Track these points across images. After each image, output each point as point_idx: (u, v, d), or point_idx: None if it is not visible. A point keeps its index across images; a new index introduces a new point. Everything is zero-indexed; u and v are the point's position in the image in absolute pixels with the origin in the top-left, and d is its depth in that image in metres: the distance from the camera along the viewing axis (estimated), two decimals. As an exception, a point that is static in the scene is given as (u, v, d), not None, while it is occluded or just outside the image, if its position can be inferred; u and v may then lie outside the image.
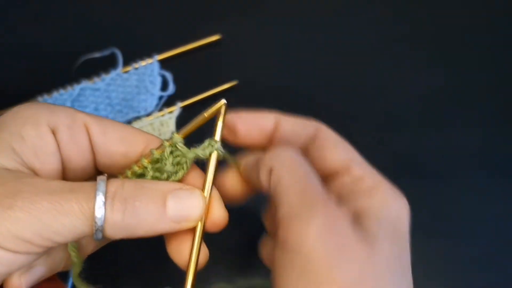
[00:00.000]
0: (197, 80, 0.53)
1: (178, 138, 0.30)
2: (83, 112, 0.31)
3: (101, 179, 0.27)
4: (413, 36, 0.57)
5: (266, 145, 0.32)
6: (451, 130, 0.53)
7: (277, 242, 0.26)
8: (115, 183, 0.27)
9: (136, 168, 0.30)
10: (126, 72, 0.52)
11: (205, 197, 0.29)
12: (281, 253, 0.25)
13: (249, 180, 0.31)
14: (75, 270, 0.30)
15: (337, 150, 0.30)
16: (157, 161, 0.30)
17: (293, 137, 0.31)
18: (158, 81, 0.52)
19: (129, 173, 0.30)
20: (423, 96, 0.54)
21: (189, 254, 0.29)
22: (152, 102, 0.51)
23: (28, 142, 0.28)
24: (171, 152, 0.30)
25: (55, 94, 0.50)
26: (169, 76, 0.52)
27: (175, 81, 0.53)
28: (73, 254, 0.30)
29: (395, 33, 0.57)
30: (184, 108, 0.51)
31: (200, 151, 0.30)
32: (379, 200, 0.28)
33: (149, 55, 0.53)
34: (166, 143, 0.30)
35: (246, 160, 0.31)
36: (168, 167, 0.29)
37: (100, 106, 0.51)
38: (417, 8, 0.59)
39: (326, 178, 0.29)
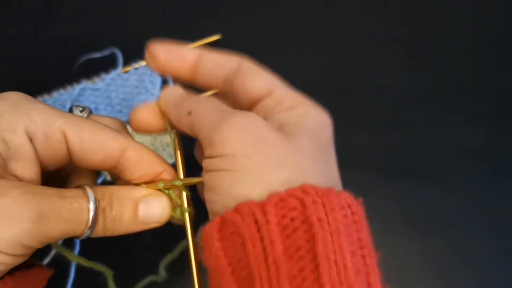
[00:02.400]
0: (197, 80, 0.53)
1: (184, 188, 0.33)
2: (60, 114, 0.30)
3: (89, 189, 0.30)
4: (414, 36, 0.57)
5: (190, 78, 0.34)
6: (451, 130, 0.53)
7: (204, 164, 0.28)
8: (97, 194, 0.30)
9: None
10: (126, 72, 0.52)
11: (169, 201, 0.32)
12: (210, 168, 0.28)
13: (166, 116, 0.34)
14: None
15: (259, 78, 0.32)
16: None
17: (216, 70, 0.33)
18: (158, 81, 0.52)
19: None
20: (423, 96, 0.54)
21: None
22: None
23: (12, 148, 0.28)
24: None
25: (55, 94, 0.50)
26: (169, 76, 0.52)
27: (175, 81, 0.53)
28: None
29: (395, 32, 0.57)
30: (184, 108, 0.51)
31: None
32: (300, 112, 0.30)
33: (149, 55, 0.53)
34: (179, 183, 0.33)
35: (165, 97, 0.34)
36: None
37: (100, 106, 0.51)
38: (417, 8, 0.59)
39: (252, 105, 0.31)
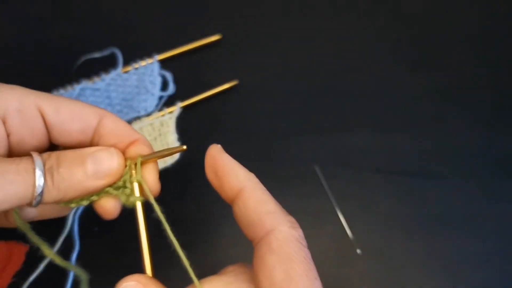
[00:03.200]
0: (197, 80, 0.53)
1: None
2: (34, 92, 0.32)
3: (35, 153, 0.30)
4: (414, 36, 0.57)
5: (229, 202, 0.32)
6: (451, 129, 0.53)
7: None
8: (44, 156, 0.30)
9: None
10: (126, 72, 0.52)
11: (120, 153, 0.32)
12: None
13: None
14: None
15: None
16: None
17: (255, 212, 0.31)
18: (158, 81, 0.52)
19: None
20: (423, 96, 0.54)
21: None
22: (152, 102, 0.51)
23: None
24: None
25: (55, 94, 0.50)
26: (169, 76, 0.52)
27: (175, 81, 0.53)
28: (16, 216, 0.33)
29: (396, 33, 0.57)
30: (184, 108, 0.51)
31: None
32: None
33: (149, 55, 0.53)
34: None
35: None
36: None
37: (100, 106, 0.51)
38: (417, 8, 0.59)
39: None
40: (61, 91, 0.50)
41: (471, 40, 0.57)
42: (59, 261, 0.34)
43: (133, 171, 0.32)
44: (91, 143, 0.33)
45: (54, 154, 0.31)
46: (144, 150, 0.33)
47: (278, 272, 0.26)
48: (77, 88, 0.50)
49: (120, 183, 0.32)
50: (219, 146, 0.32)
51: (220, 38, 0.55)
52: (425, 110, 0.53)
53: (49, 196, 0.30)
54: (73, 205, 0.32)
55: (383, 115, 0.53)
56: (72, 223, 0.46)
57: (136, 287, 0.29)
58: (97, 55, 0.52)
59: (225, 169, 0.30)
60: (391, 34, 0.57)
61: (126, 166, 0.32)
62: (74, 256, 0.45)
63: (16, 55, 0.54)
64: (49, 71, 0.53)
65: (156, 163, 0.34)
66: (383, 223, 0.48)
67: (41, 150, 0.32)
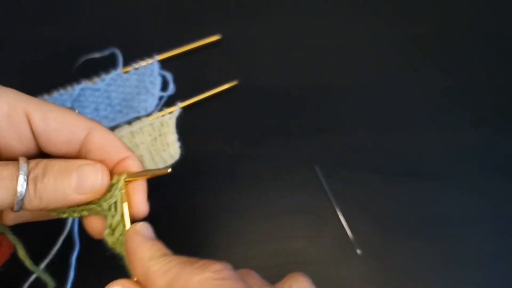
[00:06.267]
0: (197, 80, 0.53)
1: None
2: (25, 97, 0.31)
3: (22, 159, 0.30)
4: (413, 36, 0.57)
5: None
6: (451, 130, 0.53)
7: None
8: (31, 164, 0.30)
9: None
10: (126, 72, 0.52)
11: (105, 170, 0.32)
12: None
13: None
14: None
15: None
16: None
17: None
18: (158, 81, 0.52)
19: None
20: (423, 96, 0.54)
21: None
22: (152, 102, 0.51)
23: None
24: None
25: (55, 94, 0.50)
26: (169, 76, 0.52)
27: (175, 81, 0.53)
28: None
29: (396, 33, 0.57)
30: (184, 108, 0.51)
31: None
32: None
33: (149, 55, 0.53)
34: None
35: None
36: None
37: (100, 106, 0.51)
38: (417, 8, 0.59)
39: None
40: (61, 91, 0.50)
41: (471, 40, 0.57)
42: (28, 264, 0.35)
43: (118, 191, 0.32)
44: (78, 155, 0.33)
45: (42, 163, 0.31)
46: (134, 168, 0.33)
47: None
48: (77, 88, 0.50)
49: (109, 202, 0.32)
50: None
51: (220, 38, 0.55)
52: (426, 110, 0.53)
53: (30, 204, 0.30)
54: (54, 214, 0.33)
55: (383, 115, 0.53)
56: (72, 223, 0.46)
57: None
58: (97, 55, 0.52)
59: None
60: (392, 34, 0.57)
61: (112, 183, 0.32)
62: (74, 256, 0.45)
63: (16, 55, 0.54)
64: (49, 71, 0.53)
65: (145, 182, 0.33)
66: (383, 223, 0.48)
67: (30, 156, 0.32)
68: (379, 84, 0.55)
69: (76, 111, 0.34)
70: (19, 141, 0.31)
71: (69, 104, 0.50)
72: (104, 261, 0.40)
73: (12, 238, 0.34)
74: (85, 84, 0.51)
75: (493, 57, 0.56)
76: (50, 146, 0.32)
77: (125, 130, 0.49)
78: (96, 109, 0.51)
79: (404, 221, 0.49)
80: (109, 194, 0.32)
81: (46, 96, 0.49)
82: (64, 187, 0.30)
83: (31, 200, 0.30)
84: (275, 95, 0.53)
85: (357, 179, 0.50)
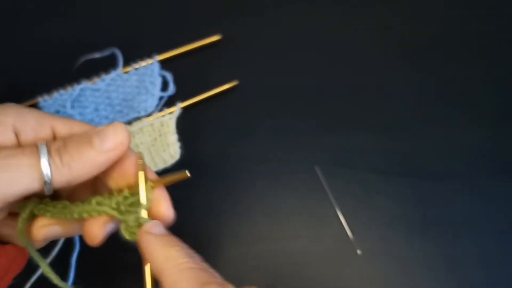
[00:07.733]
0: (197, 80, 0.53)
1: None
2: (51, 115, 0.35)
3: (41, 142, 0.32)
4: (414, 37, 0.57)
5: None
6: (451, 130, 0.53)
7: None
8: (49, 142, 0.32)
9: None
10: (126, 72, 0.52)
11: (123, 125, 0.33)
12: None
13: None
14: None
15: None
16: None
17: None
18: (158, 81, 0.52)
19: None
20: (423, 96, 0.54)
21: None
22: (153, 102, 0.51)
23: None
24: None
25: (55, 94, 0.50)
26: (169, 76, 0.52)
27: (176, 81, 0.53)
28: (19, 231, 0.34)
29: (395, 34, 0.57)
30: (184, 109, 0.51)
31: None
32: None
33: (149, 55, 0.53)
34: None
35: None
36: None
37: (100, 106, 0.51)
38: (417, 9, 0.59)
39: None
40: (61, 91, 0.50)
41: (471, 40, 0.57)
42: (56, 280, 0.35)
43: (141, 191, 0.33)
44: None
45: (60, 139, 0.33)
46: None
47: None
48: (77, 88, 0.50)
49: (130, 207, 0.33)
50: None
51: (220, 38, 0.55)
52: (426, 111, 0.53)
53: (60, 177, 0.31)
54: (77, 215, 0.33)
55: (383, 115, 0.53)
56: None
57: None
58: (97, 55, 0.52)
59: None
60: (393, 35, 0.57)
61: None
62: (74, 256, 0.45)
63: (16, 55, 0.54)
64: (49, 71, 0.52)
65: (165, 189, 0.35)
66: (383, 223, 0.48)
67: None
68: (379, 84, 0.55)
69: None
70: None
71: (69, 104, 0.50)
72: (104, 261, 0.40)
73: (35, 255, 0.35)
74: (85, 84, 0.51)
75: (493, 57, 0.56)
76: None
77: (125, 130, 0.49)
78: (96, 109, 0.51)
79: (404, 221, 0.49)
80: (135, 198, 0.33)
81: (46, 96, 0.49)
82: (88, 150, 0.31)
83: (60, 172, 0.31)
84: (275, 95, 0.53)
85: (357, 179, 0.50)
